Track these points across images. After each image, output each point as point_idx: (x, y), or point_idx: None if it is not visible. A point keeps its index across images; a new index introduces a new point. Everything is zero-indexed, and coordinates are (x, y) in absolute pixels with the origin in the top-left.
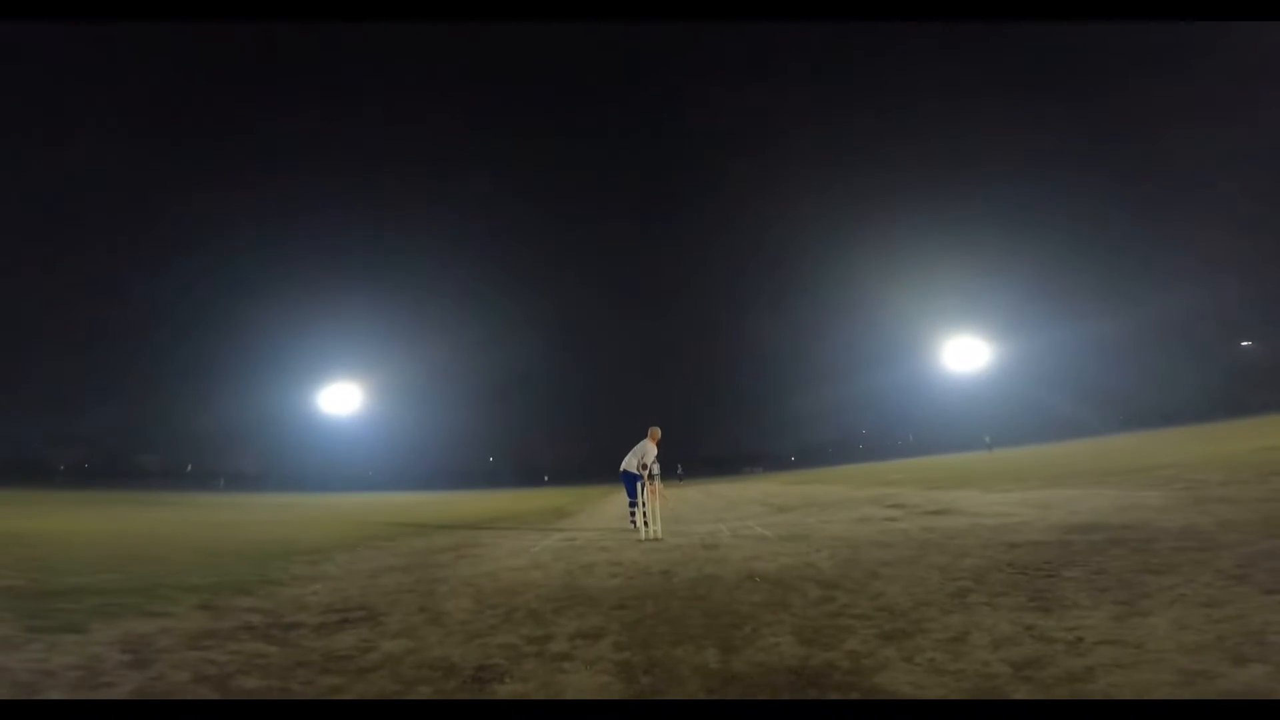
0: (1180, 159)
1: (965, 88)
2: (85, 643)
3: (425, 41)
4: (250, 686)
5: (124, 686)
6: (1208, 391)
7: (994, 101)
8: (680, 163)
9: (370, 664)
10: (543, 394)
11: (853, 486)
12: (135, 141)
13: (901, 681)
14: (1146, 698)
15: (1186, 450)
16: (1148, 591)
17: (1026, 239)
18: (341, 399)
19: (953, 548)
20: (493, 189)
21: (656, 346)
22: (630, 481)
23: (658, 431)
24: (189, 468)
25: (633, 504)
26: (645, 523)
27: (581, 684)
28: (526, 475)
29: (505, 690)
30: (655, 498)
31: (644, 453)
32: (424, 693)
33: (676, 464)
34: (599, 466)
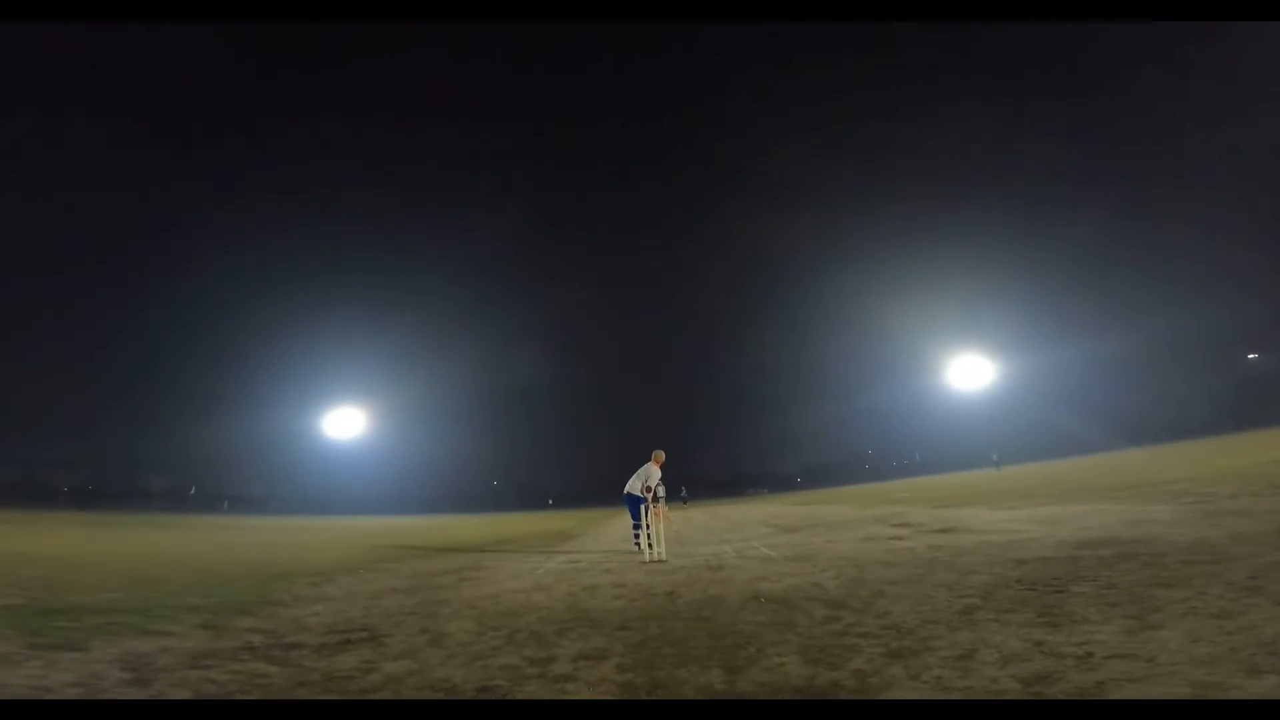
0: (1185, 170)
1: (971, 94)
2: (85, 660)
3: (425, 48)
4: None
5: None
6: (1216, 405)
7: (999, 110)
8: (685, 185)
9: (372, 685)
10: (547, 417)
11: (859, 506)
12: (137, 156)
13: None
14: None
15: (1196, 464)
16: (1159, 605)
17: (1032, 254)
18: (345, 423)
19: (960, 565)
20: (494, 210)
21: (661, 369)
22: (634, 504)
23: (662, 455)
24: (193, 490)
25: (636, 526)
26: (649, 544)
27: None
28: (531, 499)
29: None
30: (659, 520)
31: (648, 475)
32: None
33: (680, 486)
34: (603, 490)
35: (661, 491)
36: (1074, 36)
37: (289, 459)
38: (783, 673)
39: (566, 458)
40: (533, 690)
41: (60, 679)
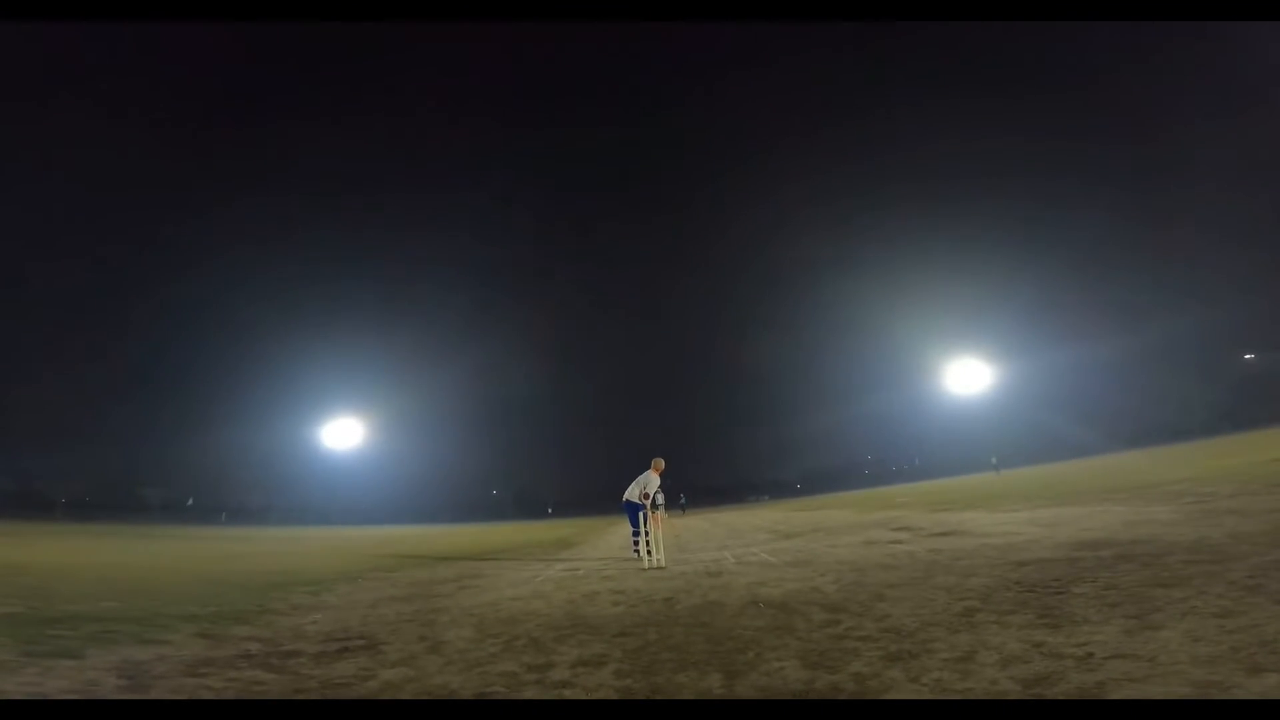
0: (1182, 171)
1: (967, 96)
2: (81, 668)
3: (423, 50)
4: None
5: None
6: (1214, 406)
7: (996, 113)
8: (684, 190)
9: (369, 692)
10: (545, 426)
11: (859, 511)
12: (133, 163)
13: None
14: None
15: (1195, 465)
16: (1159, 605)
17: (1029, 257)
18: (344, 433)
19: (960, 568)
20: (492, 217)
21: (660, 376)
22: (633, 511)
23: (661, 463)
24: (190, 502)
25: (636, 533)
26: (648, 551)
27: None
28: (530, 508)
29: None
30: (658, 526)
31: (647, 483)
32: None
33: (679, 493)
34: (603, 498)
35: (660, 499)
36: (1067, 36)
37: (287, 469)
38: (781, 677)
39: (566, 466)
40: (531, 696)
41: (56, 686)
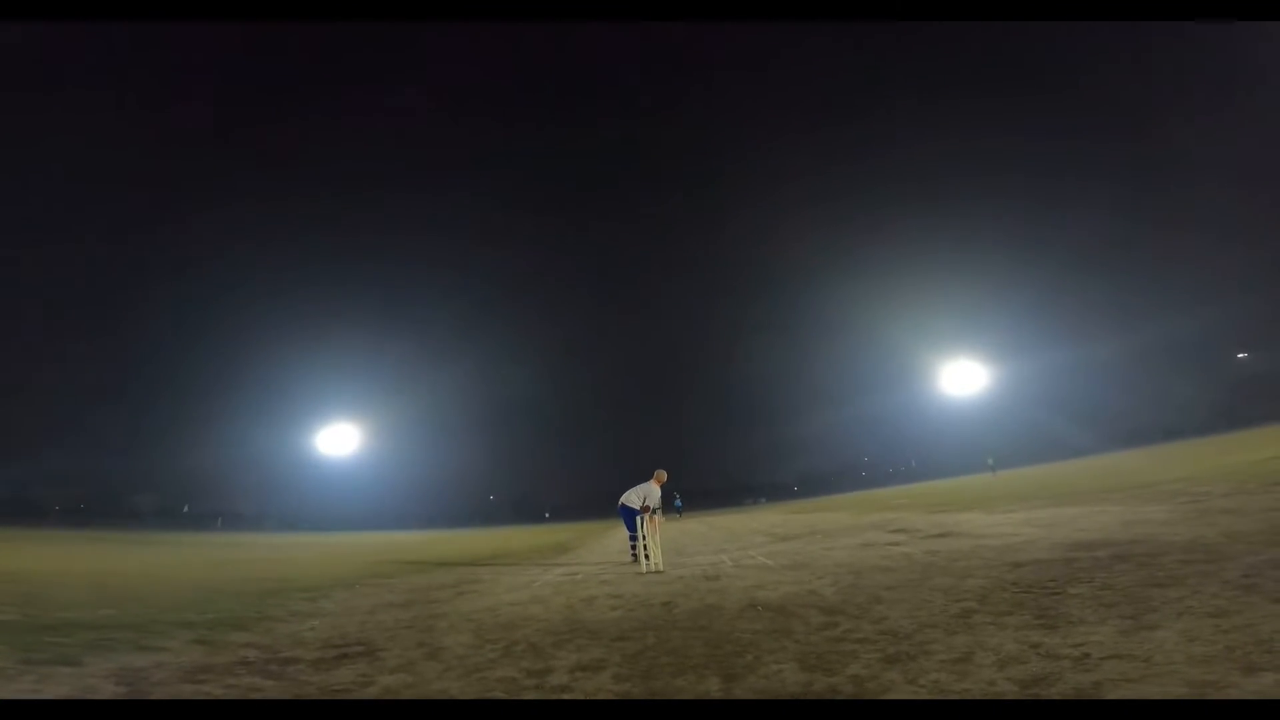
0: (1177, 172)
1: (964, 97)
2: (79, 675)
3: (423, 52)
4: None
5: None
6: (1209, 405)
7: (992, 114)
8: (679, 194)
9: (368, 698)
10: (543, 431)
11: (856, 513)
12: (126, 170)
13: None
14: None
15: (1190, 464)
16: (1154, 605)
17: (1024, 260)
18: (340, 439)
19: (957, 569)
20: (489, 221)
21: (657, 380)
22: (629, 515)
23: (664, 475)
24: (186, 508)
25: (633, 537)
26: (646, 555)
27: None
28: (527, 513)
29: None
30: (655, 531)
31: (647, 493)
32: None
33: (675, 495)
34: (600, 502)
35: (655, 503)
36: (1064, 37)
37: (283, 475)
38: (780, 680)
39: (563, 471)
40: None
41: (54, 693)
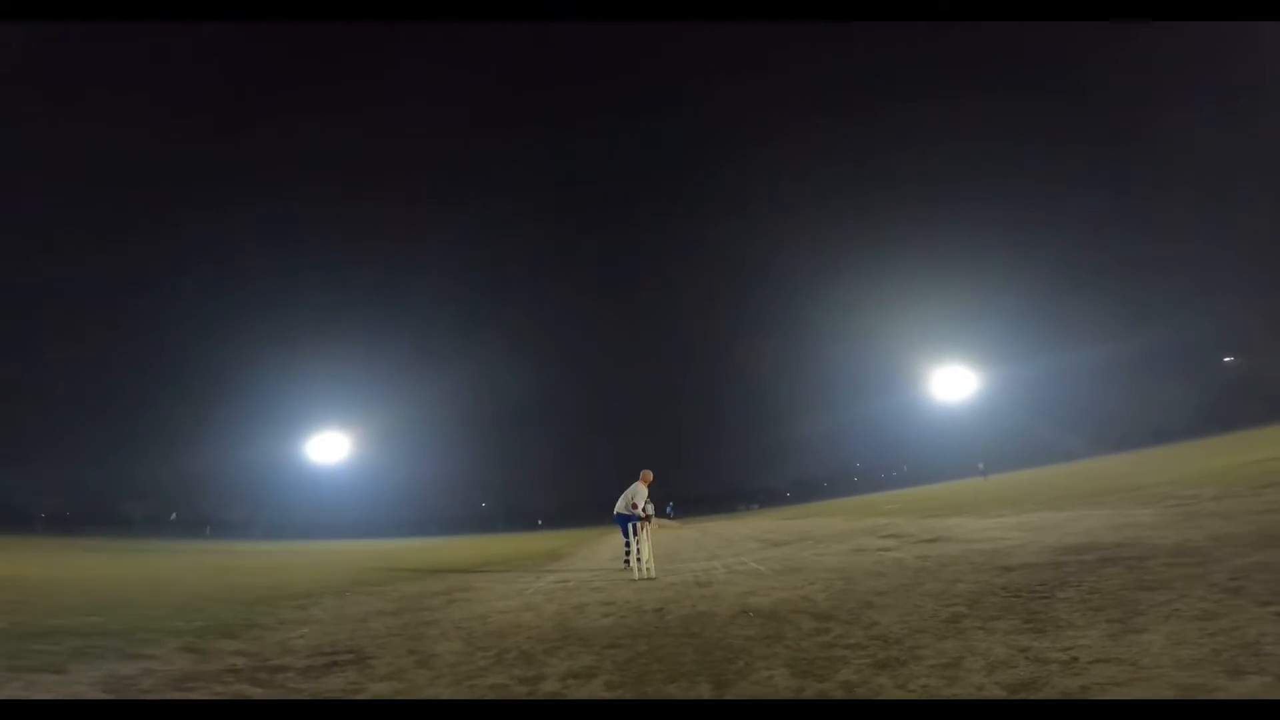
0: (1168, 177)
1: (954, 103)
2: (65, 683)
3: (417, 51)
4: None
5: None
6: (1196, 409)
7: (982, 120)
8: (669, 200)
9: (361, 699)
10: (535, 438)
11: (848, 519)
12: (118, 170)
13: None
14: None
15: (1178, 468)
16: (1142, 609)
17: (1014, 265)
18: (330, 446)
19: (947, 574)
20: (486, 220)
21: (649, 386)
22: (623, 522)
23: (649, 474)
24: (174, 516)
25: (628, 544)
26: (639, 558)
27: None
28: (520, 519)
29: None
30: (648, 539)
31: (635, 494)
32: None
33: (667, 502)
34: (593, 509)
35: (650, 509)
36: (1056, 39)
37: (273, 483)
38: (771, 686)
39: (555, 477)
40: None
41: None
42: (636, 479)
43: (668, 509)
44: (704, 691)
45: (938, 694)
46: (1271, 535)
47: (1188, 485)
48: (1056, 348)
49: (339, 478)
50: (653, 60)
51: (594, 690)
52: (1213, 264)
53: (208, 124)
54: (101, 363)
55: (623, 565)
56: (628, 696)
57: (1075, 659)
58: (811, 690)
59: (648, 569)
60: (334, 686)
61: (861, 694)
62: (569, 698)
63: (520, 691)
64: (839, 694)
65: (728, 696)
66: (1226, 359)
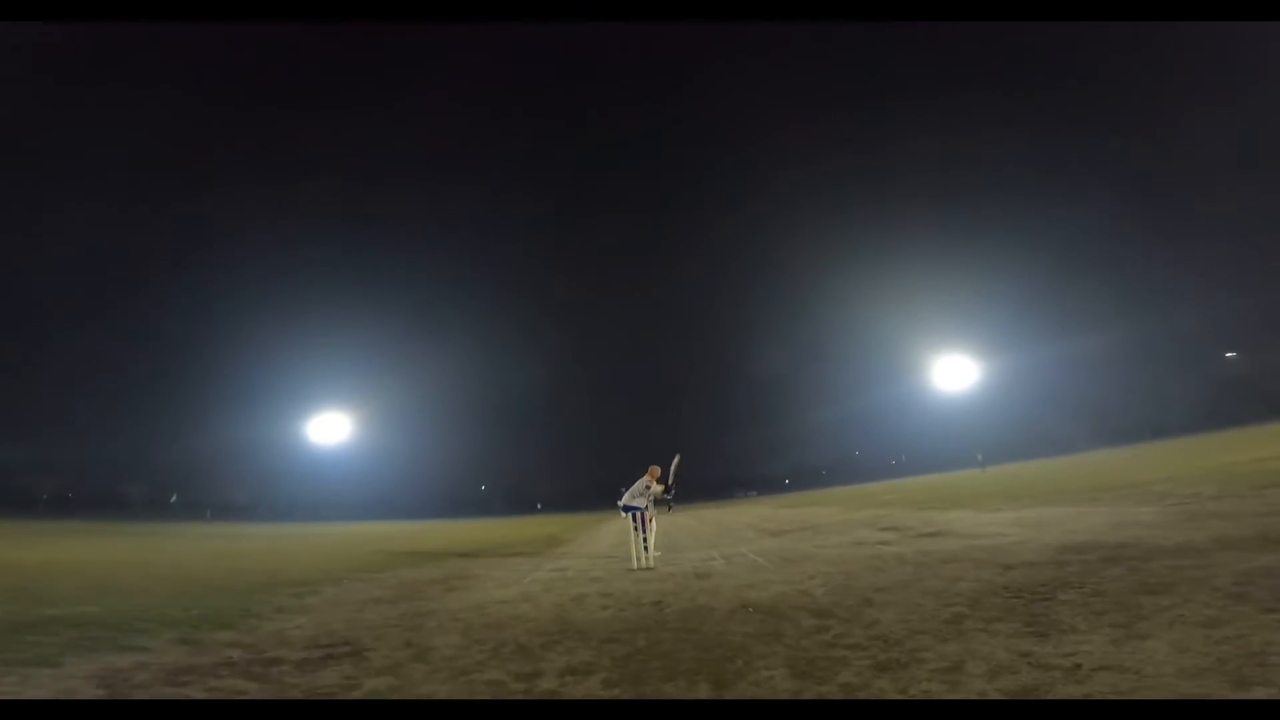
0: (1168, 169)
1: (954, 93)
2: (59, 676)
3: (423, 51)
4: None
5: None
6: (1196, 403)
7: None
8: (671, 189)
9: (357, 698)
10: (535, 421)
11: (846, 509)
12: (120, 156)
13: None
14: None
15: (1178, 464)
16: (1145, 613)
17: (1014, 256)
18: (331, 428)
19: (947, 572)
20: (485, 213)
21: (650, 372)
22: (633, 512)
23: (657, 470)
24: (174, 498)
25: (638, 527)
26: (646, 548)
27: None
28: (519, 503)
29: None
30: (653, 531)
31: (641, 488)
32: None
33: (668, 494)
34: (592, 494)
35: (647, 502)
36: (1057, 35)
37: (273, 465)
38: (770, 687)
39: (555, 462)
40: None
41: (34, 695)
42: (642, 469)
43: (668, 501)
44: (703, 691)
45: (939, 699)
46: (1275, 539)
47: (1188, 483)
48: (1057, 338)
49: (340, 460)
50: (659, 56)
51: (591, 688)
52: (1218, 258)
53: (217, 111)
54: (104, 344)
55: (636, 559)
56: (625, 694)
57: (1079, 665)
58: (811, 692)
59: (647, 559)
60: (330, 681)
61: (862, 698)
62: (566, 695)
63: (517, 689)
64: (839, 697)
65: (727, 696)
66: (1229, 354)
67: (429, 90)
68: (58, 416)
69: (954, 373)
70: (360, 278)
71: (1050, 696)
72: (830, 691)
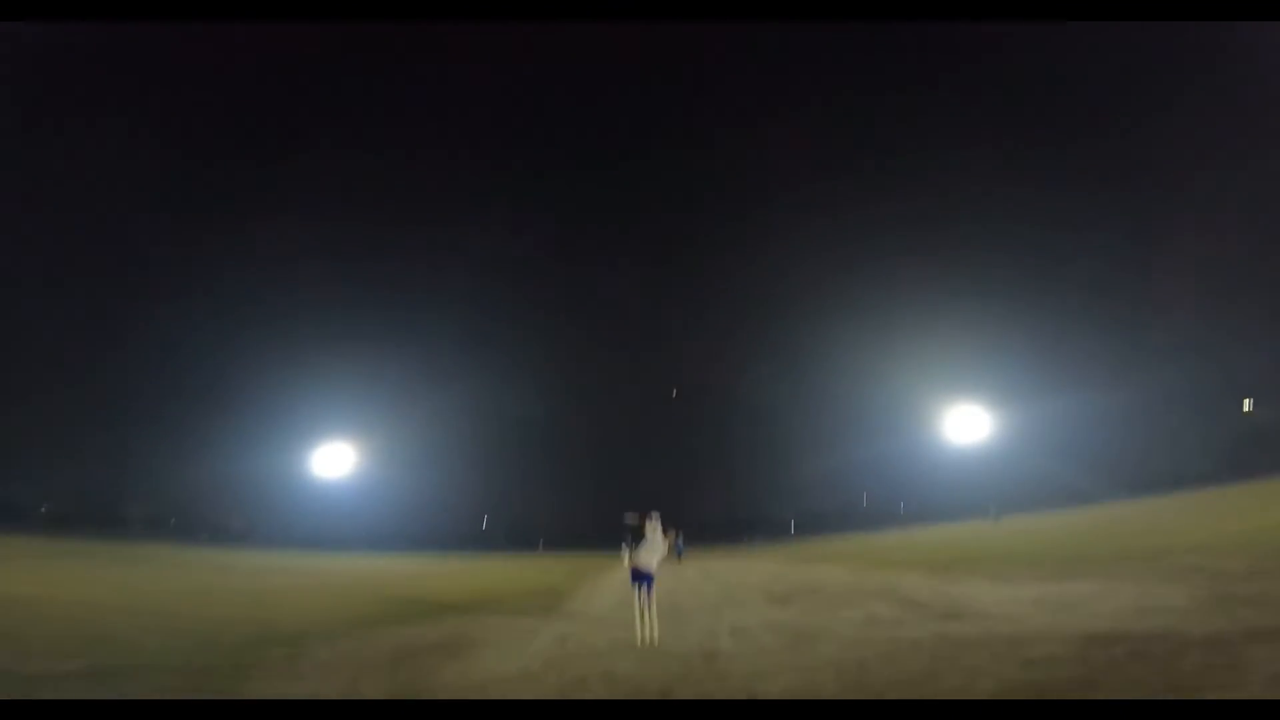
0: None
1: (964, 124)
2: None
3: (424, 57)
4: None
5: None
6: (1216, 453)
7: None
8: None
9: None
10: (538, 456)
11: (856, 569)
12: (119, 172)
13: None
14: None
15: (1202, 525)
16: None
17: (1027, 303)
18: (331, 456)
19: (965, 664)
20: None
21: (656, 408)
22: (644, 578)
23: (656, 516)
24: (173, 521)
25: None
26: (648, 620)
27: None
28: (520, 540)
29: None
30: (652, 602)
31: (655, 545)
32: None
33: (677, 537)
34: (593, 534)
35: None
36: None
37: (272, 491)
38: None
39: (557, 498)
40: None
41: None
42: (643, 510)
43: (678, 547)
44: None
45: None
46: None
47: (1216, 554)
48: (1071, 385)
49: (340, 487)
50: (661, 62)
51: None
52: (1238, 305)
53: (224, 131)
54: (108, 364)
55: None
56: None
57: None
58: None
59: (652, 635)
60: None
61: None
62: None
63: None
64: None
65: None
66: (1248, 402)
67: (433, 102)
68: (60, 435)
69: (966, 419)
70: (370, 302)
71: None
72: None
